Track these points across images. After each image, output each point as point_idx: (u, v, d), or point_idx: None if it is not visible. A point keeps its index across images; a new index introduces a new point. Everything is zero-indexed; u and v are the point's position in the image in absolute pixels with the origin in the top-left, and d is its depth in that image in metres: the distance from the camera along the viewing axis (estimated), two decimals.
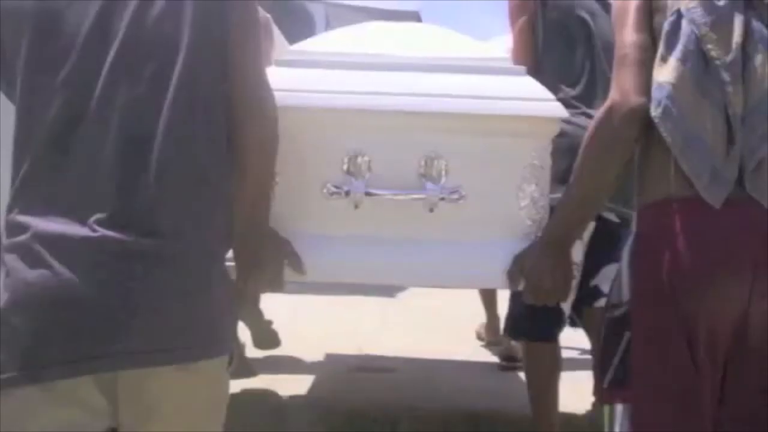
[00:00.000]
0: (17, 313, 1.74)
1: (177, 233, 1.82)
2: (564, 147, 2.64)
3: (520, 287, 2.38)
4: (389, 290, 6.40)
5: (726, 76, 2.03)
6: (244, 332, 4.40)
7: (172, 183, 1.82)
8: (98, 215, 1.77)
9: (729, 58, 2.04)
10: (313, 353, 4.83)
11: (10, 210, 1.84)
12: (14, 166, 1.86)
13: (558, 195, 2.38)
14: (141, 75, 1.85)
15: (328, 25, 14.63)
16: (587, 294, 3.17)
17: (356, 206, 2.32)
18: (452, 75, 2.41)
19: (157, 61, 1.86)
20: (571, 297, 2.68)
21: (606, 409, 2.43)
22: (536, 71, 2.99)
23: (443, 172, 2.33)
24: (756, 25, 2.08)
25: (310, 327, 5.36)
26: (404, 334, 5.46)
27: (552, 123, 2.46)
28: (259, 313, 4.57)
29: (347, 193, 2.31)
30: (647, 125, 2.10)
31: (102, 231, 1.76)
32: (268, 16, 3.24)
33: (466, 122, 2.34)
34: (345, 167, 2.33)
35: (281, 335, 4.63)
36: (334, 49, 2.51)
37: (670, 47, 2.09)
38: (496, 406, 3.94)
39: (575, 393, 3.57)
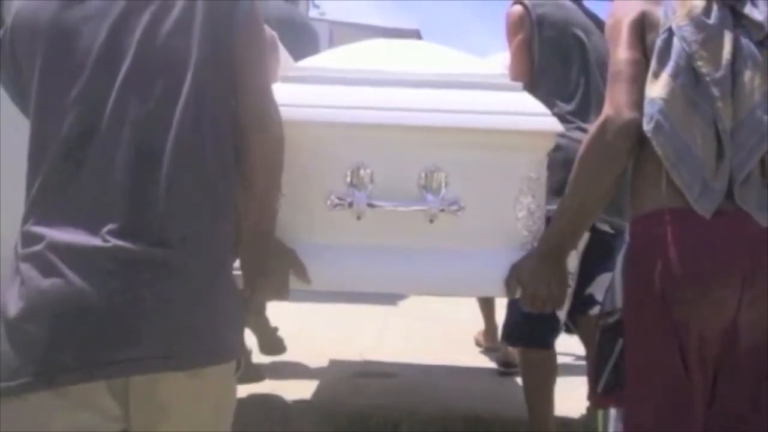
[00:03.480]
0: (32, 320, 1.74)
1: (185, 243, 1.82)
2: (559, 160, 2.64)
3: (518, 295, 2.37)
4: (391, 298, 6.40)
5: (716, 92, 2.04)
6: (250, 339, 4.40)
7: (180, 195, 1.82)
8: (110, 226, 1.77)
9: (719, 74, 2.04)
10: (317, 359, 4.82)
11: (25, 221, 1.84)
12: (29, 179, 1.86)
13: (554, 206, 2.37)
14: (151, 91, 1.85)
15: (332, 43, 14.66)
16: (582, 302, 3.17)
17: (359, 217, 2.31)
18: (452, 91, 2.42)
19: (167, 77, 1.86)
20: (567, 305, 2.68)
21: (600, 412, 2.43)
22: (533, 87, 3.00)
23: (443, 185, 2.33)
24: (744, 42, 2.08)
25: (314, 334, 5.36)
26: (405, 341, 5.46)
27: (548, 137, 2.45)
28: (265, 321, 4.57)
29: (350, 205, 2.31)
30: (640, 139, 2.10)
31: (113, 241, 1.76)
32: (274, 33, 3.24)
33: (465, 136, 2.34)
34: (348, 179, 2.33)
35: (286, 342, 4.63)
36: (337, 66, 2.51)
37: (662, 64, 2.09)
38: (494, 410, 3.93)
39: (570, 397, 3.57)
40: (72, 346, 1.73)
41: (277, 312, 4.50)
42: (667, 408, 2.06)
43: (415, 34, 21.08)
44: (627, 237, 2.26)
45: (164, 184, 1.81)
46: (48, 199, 1.82)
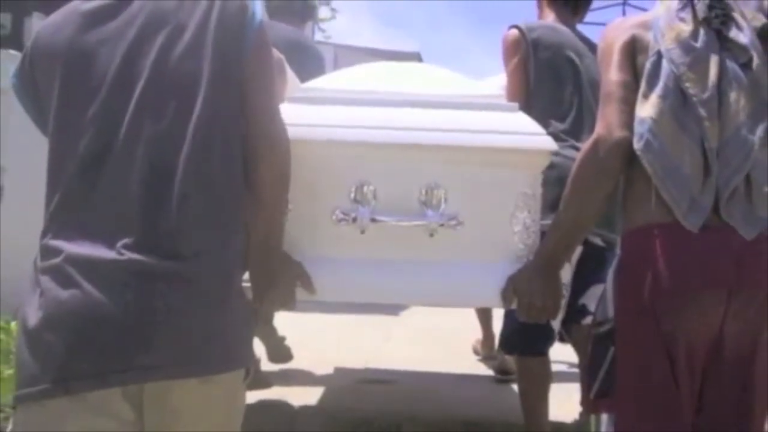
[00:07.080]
0: (50, 329, 1.74)
1: (197, 256, 1.82)
2: (554, 177, 2.64)
3: (514, 306, 2.37)
4: (393, 309, 6.38)
5: (703, 112, 2.04)
6: (259, 347, 4.39)
7: (192, 210, 1.82)
8: (125, 240, 1.77)
9: (705, 95, 2.05)
10: (322, 366, 4.82)
11: (44, 235, 1.84)
12: (48, 195, 1.86)
13: (548, 221, 2.37)
14: (164, 111, 1.85)
15: (337, 65, 14.65)
16: (575, 312, 3.16)
17: (362, 231, 2.31)
18: (451, 111, 2.42)
19: (180, 97, 1.87)
20: (561, 315, 2.67)
21: (592, 418, 2.43)
22: (528, 107, 3.00)
23: (442, 201, 2.33)
24: (730, 64, 2.09)
25: (319, 342, 5.35)
26: (406, 349, 5.45)
27: (543, 155, 2.46)
28: (273, 330, 4.56)
29: (354, 220, 2.30)
30: (630, 157, 2.10)
31: (129, 254, 1.76)
32: (282, 56, 3.24)
33: (463, 154, 2.34)
34: (352, 196, 2.33)
35: (293, 350, 4.62)
36: (342, 87, 2.51)
37: (651, 85, 2.09)
38: (491, 416, 3.92)
39: (564, 403, 3.56)
40: (88, 354, 1.73)
41: (284, 322, 4.50)
42: (656, 414, 2.06)
43: (416, 57, 21.04)
44: (618, 250, 2.26)
45: (177, 200, 1.81)
46: (66, 214, 1.83)
